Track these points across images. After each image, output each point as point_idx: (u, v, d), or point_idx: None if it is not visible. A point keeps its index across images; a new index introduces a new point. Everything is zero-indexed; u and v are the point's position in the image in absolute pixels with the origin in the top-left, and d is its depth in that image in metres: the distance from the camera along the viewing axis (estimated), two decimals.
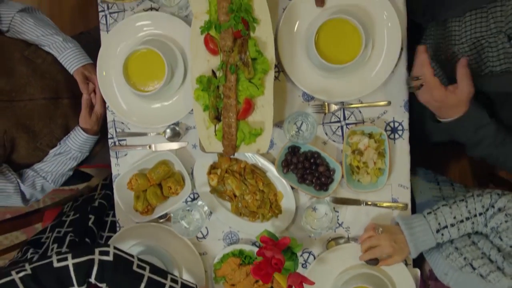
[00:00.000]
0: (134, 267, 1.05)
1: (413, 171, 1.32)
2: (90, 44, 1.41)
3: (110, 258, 1.03)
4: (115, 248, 1.06)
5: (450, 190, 1.39)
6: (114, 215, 1.45)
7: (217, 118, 1.18)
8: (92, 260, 1.01)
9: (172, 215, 1.30)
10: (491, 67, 1.12)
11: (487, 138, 1.12)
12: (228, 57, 1.15)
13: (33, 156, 1.36)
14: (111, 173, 1.38)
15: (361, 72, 1.25)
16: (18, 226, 1.62)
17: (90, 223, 1.45)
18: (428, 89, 1.10)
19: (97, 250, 1.03)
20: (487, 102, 1.16)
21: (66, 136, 1.38)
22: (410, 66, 1.24)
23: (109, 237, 1.45)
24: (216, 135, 1.20)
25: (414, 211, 1.33)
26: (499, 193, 1.14)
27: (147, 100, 1.31)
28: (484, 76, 1.13)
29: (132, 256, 1.09)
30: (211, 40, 1.16)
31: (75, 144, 1.36)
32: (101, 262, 1.01)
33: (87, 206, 1.51)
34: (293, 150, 1.28)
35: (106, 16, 1.35)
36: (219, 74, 1.17)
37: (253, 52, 1.14)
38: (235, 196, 1.32)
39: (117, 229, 1.39)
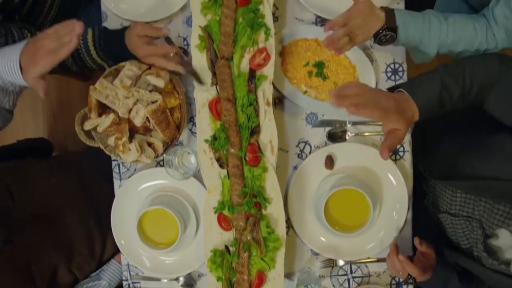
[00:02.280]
0: None
1: None
2: None
3: None
4: None
5: None
6: None
7: None
8: None
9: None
10: (464, 243, 1.17)
11: None
12: (241, 235, 1.19)
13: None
14: None
15: (369, 233, 1.29)
16: None
17: None
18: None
19: None
20: None
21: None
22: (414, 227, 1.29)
23: None
24: None
25: None
26: None
27: (162, 252, 1.35)
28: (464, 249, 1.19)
29: None
30: (224, 220, 1.20)
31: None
32: None
33: None
34: None
35: (119, 165, 1.38)
36: (232, 249, 1.21)
37: (265, 232, 1.18)
38: None
39: None
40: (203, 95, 1.20)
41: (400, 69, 1.28)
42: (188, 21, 1.32)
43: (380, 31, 1.06)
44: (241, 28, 1.16)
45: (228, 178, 1.18)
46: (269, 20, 1.16)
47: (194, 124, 1.33)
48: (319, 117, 1.30)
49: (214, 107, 1.18)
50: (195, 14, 1.18)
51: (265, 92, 1.17)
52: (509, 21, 1.04)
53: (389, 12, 1.07)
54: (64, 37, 1.02)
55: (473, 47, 1.10)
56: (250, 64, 1.17)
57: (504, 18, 1.05)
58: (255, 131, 1.17)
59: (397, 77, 1.28)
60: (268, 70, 1.17)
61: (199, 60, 1.19)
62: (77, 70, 1.30)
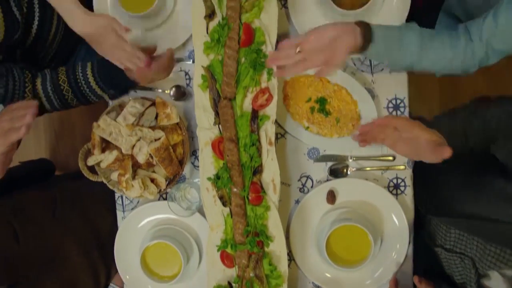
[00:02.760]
0: None
1: None
2: None
3: None
4: None
5: None
6: None
7: None
8: None
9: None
10: (458, 278, 1.18)
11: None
12: (244, 272, 1.20)
13: None
14: None
15: (371, 267, 1.30)
16: None
17: None
18: None
19: None
20: None
21: None
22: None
23: None
24: None
25: None
26: None
27: (166, 286, 1.36)
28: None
29: None
30: (227, 257, 1.21)
31: None
32: None
33: None
34: None
35: (122, 197, 1.39)
36: (235, 286, 1.22)
37: (267, 269, 1.20)
38: None
39: None
40: (206, 133, 1.21)
41: (402, 104, 1.29)
42: (190, 55, 1.33)
43: None
44: (244, 68, 1.17)
45: (231, 217, 1.19)
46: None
47: (196, 158, 1.34)
48: (321, 152, 1.31)
49: (217, 147, 1.18)
50: (198, 54, 1.19)
51: (268, 131, 1.18)
52: (494, 38, 1.01)
53: (366, 29, 1.02)
54: (17, 121, 1.03)
55: (447, 69, 1.09)
56: (252, 104, 1.17)
57: (490, 35, 1.02)
58: (257, 170, 1.18)
59: (399, 112, 1.29)
60: (271, 110, 1.18)
61: (202, 99, 1.20)
62: (77, 104, 1.30)
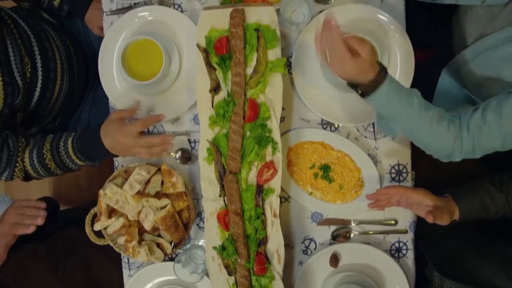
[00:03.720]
0: None
1: None
2: None
3: None
4: None
5: None
6: None
7: None
8: None
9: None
10: None
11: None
12: None
13: None
14: None
15: None
16: None
17: None
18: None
19: None
20: None
21: None
22: None
23: None
24: None
25: None
26: None
27: None
28: None
29: None
30: None
31: None
32: None
33: None
34: None
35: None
36: None
37: None
38: None
39: None
40: (211, 204, 1.22)
41: (404, 170, 1.30)
42: (195, 119, 1.34)
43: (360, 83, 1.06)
44: (249, 143, 1.18)
45: (236, 287, 1.21)
46: (276, 134, 1.18)
47: (201, 219, 1.36)
48: (324, 216, 1.33)
49: (223, 219, 1.20)
50: (203, 127, 1.20)
51: (272, 204, 1.20)
52: (482, 134, 1.04)
53: (381, 70, 1.05)
54: (27, 219, 1.17)
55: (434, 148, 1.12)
56: (257, 179, 1.19)
57: (478, 131, 1.04)
58: (262, 242, 1.20)
59: (401, 178, 1.31)
60: (276, 184, 1.19)
61: (207, 172, 1.21)
62: (61, 173, 1.32)
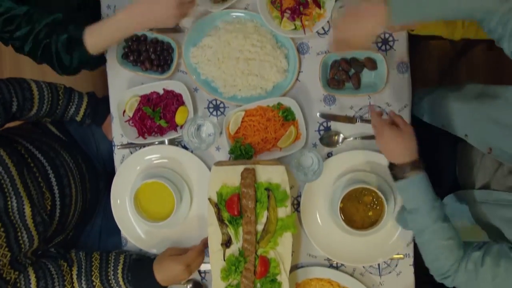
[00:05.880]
0: None
1: None
2: None
3: None
4: None
5: None
6: None
7: None
8: None
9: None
10: None
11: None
12: None
13: None
14: None
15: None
16: None
17: None
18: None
19: None
20: None
21: None
22: None
23: None
24: None
25: None
26: None
27: None
28: None
29: None
30: None
31: None
32: None
33: None
34: None
35: None
36: None
37: None
38: None
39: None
40: None
41: None
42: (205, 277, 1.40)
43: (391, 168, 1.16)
44: None
45: None
46: (285, 286, 1.23)
47: None
48: None
49: None
50: (215, 280, 1.24)
51: None
52: (476, 271, 1.07)
53: (419, 161, 1.14)
54: None
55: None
56: None
57: (473, 264, 1.08)
58: None
59: None
60: None
61: None
62: None
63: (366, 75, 1.32)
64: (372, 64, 1.29)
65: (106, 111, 1.45)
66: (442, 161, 1.53)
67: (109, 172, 1.50)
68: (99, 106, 1.45)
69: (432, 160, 1.53)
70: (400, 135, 1.13)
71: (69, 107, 1.40)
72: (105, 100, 1.42)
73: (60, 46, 1.23)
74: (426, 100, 1.46)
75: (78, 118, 1.45)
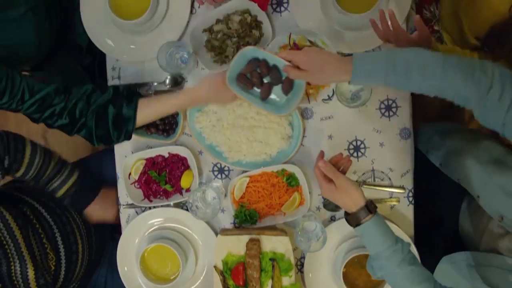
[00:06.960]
0: None
1: None
2: None
3: None
4: None
5: None
6: None
7: None
8: None
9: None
10: None
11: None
12: None
13: None
14: None
15: None
16: None
17: None
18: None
19: None
20: None
21: None
22: None
23: None
24: None
25: None
26: None
27: None
28: None
29: None
30: None
31: None
32: None
33: None
34: None
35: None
36: None
37: None
38: None
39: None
40: None
41: None
42: None
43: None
44: None
45: None
46: None
47: None
48: None
49: None
50: None
51: None
52: None
53: (367, 207, 1.09)
54: None
55: None
56: None
57: None
58: None
59: None
60: None
61: None
62: None
63: (277, 93, 1.20)
64: (288, 87, 1.18)
65: (93, 195, 1.42)
66: (446, 204, 1.51)
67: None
68: (86, 188, 1.41)
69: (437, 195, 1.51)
70: (334, 189, 1.11)
71: (55, 179, 1.35)
72: (97, 181, 1.44)
73: (110, 124, 1.22)
74: (435, 136, 1.44)
75: (58, 194, 1.37)
